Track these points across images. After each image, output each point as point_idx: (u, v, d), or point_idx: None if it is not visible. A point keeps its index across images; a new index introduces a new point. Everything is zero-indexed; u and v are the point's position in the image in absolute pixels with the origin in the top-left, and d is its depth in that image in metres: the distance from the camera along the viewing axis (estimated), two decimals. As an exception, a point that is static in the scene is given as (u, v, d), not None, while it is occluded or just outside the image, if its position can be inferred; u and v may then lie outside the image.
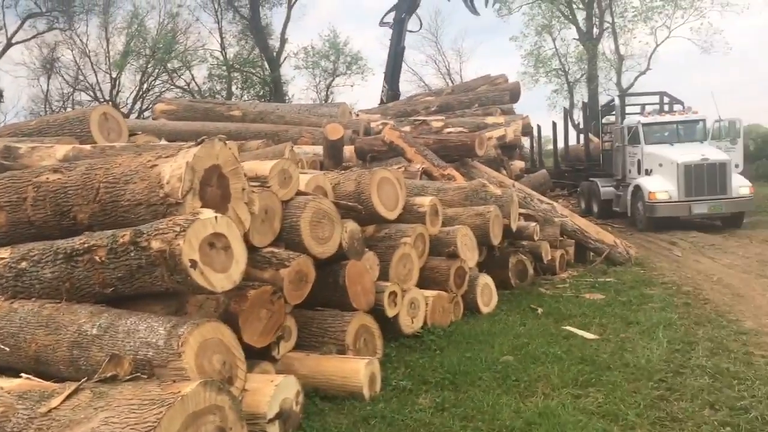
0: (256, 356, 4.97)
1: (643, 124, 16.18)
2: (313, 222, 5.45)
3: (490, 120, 13.71)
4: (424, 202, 7.73)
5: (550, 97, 39.32)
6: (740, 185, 14.81)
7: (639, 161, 16.19)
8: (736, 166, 16.21)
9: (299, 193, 5.62)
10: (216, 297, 4.63)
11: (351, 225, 6.08)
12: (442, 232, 7.92)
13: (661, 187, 14.93)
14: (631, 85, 32.80)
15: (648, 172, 15.81)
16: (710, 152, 14.98)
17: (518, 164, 13.84)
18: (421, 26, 23.16)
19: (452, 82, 38.95)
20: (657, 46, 32.95)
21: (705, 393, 4.74)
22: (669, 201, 14.79)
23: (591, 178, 18.78)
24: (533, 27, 37.35)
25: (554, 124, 22.48)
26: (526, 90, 39.85)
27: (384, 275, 6.71)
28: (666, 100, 18.29)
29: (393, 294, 6.42)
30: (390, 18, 23.18)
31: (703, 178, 14.65)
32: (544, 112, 62.28)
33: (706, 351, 5.76)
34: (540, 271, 9.98)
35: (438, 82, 39.97)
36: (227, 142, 5.13)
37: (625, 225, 16.46)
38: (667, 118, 16.39)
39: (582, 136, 21.32)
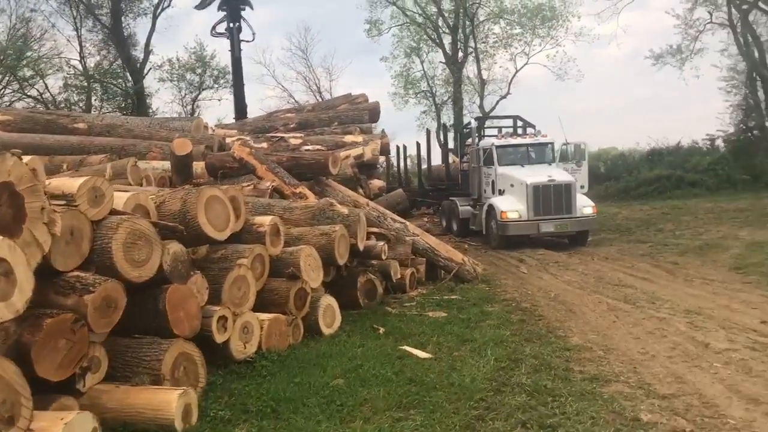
0: (60, 390, 4.58)
1: (497, 146, 16.84)
2: (127, 243, 5.09)
3: (348, 138, 13.74)
4: (264, 221, 7.52)
5: (419, 118, 40.35)
6: (584, 205, 15.71)
7: (493, 182, 16.81)
8: (582, 186, 17.23)
9: (114, 212, 5.25)
10: (5, 327, 4.19)
11: (174, 246, 5.76)
12: (285, 253, 7.74)
13: (512, 206, 15.56)
14: (493, 108, 34.36)
15: (501, 192, 16.45)
16: (557, 174, 15.80)
17: (377, 183, 13.95)
18: (254, 37, 22.90)
19: (321, 99, 39.05)
20: (516, 71, 34.76)
21: (520, 411, 4.84)
22: (519, 220, 15.43)
23: (451, 198, 19.29)
24: (402, 49, 38.28)
25: (418, 145, 23.04)
26: (397, 110, 40.77)
27: (218, 299, 6.43)
28: (519, 123, 19.16)
29: (223, 318, 6.15)
30: (222, 28, 22.97)
31: (550, 199, 15.40)
32: (413, 132, 63.87)
33: (529, 368, 5.92)
34: (391, 290, 10.01)
35: (309, 99, 39.99)
36: (25, 156, 4.74)
37: (480, 243, 17.02)
38: (519, 140, 17.19)
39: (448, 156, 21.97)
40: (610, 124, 72.90)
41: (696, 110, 57.09)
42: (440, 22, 35.52)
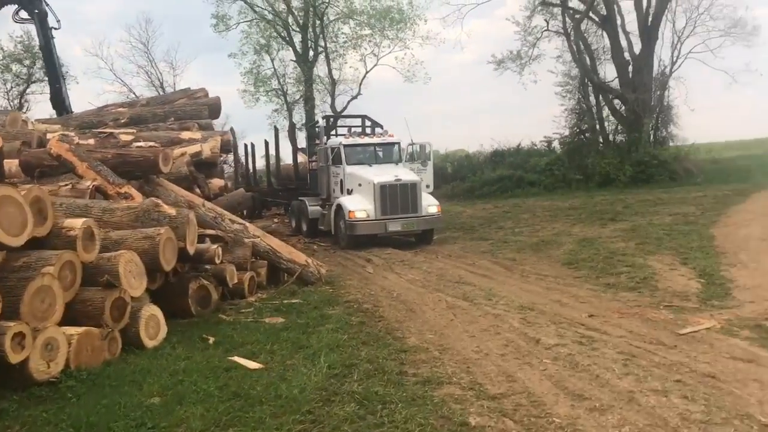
0: None
1: (345, 146, 16.67)
2: None
3: (186, 135, 12.94)
4: (76, 224, 6.76)
5: (270, 116, 39.52)
6: (429, 204, 15.91)
7: (341, 181, 16.62)
8: (427, 186, 17.45)
9: None
10: None
11: (-49, 255, 4.94)
12: (102, 259, 7.01)
13: (360, 206, 15.44)
14: (345, 108, 34.31)
15: (349, 192, 16.29)
16: (403, 173, 15.88)
17: (217, 182, 13.27)
18: (59, 25, 20.87)
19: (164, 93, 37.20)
20: (367, 72, 34.97)
21: (347, 423, 4.58)
22: (367, 219, 15.34)
23: (301, 198, 18.88)
24: (251, 45, 37.30)
25: (266, 143, 22.42)
26: (248, 108, 39.64)
27: (16, 312, 5.64)
28: (368, 123, 19.11)
29: (20, 335, 5.39)
30: (24, 14, 20.87)
31: (396, 198, 15.44)
32: (265, 131, 62.62)
33: (362, 374, 5.69)
34: (228, 296, 9.47)
35: (151, 94, 37.80)
36: None
37: (330, 243, 16.77)
38: (366, 140, 17.13)
39: (300, 155, 21.53)
40: (462, 127, 75.82)
41: (538, 114, 60.56)
42: (290, 20, 34.98)
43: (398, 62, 34.55)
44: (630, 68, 31.07)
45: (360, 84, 34.79)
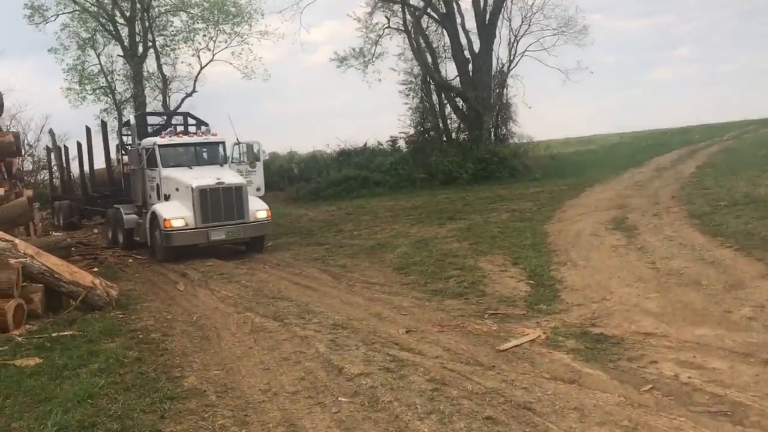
0: None
1: (160, 146, 14.97)
2: None
3: (-48, 136, 10.81)
4: None
5: (99, 117, 36.24)
6: (258, 209, 14.58)
7: (158, 186, 14.93)
8: (258, 189, 16.16)
9: None
10: None
11: None
12: None
13: (176, 213, 13.85)
14: (178, 106, 32.04)
15: (167, 198, 14.64)
16: (227, 176, 14.45)
17: (-6, 191, 11.21)
18: None
19: None
20: (201, 68, 32.89)
21: None
22: (185, 228, 13.76)
23: (117, 205, 16.88)
24: (73, 39, 33.98)
25: (79, 145, 19.99)
26: (74, 108, 36.11)
27: None
28: (191, 121, 17.46)
29: None
30: None
31: (219, 203, 13.99)
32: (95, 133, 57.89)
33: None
34: (-15, 330, 7.69)
35: None
36: None
37: (147, 256, 15.02)
38: (185, 139, 15.44)
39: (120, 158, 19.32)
40: (319, 128, 74.74)
41: (389, 114, 60.55)
42: (117, 12, 32.16)
43: (235, 58, 32.79)
44: (470, 66, 31.37)
45: (195, 81, 32.66)
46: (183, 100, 32.29)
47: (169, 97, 33.89)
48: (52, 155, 25.81)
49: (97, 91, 35.51)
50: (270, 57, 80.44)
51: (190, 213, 13.81)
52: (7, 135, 12.14)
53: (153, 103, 32.65)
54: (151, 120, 17.60)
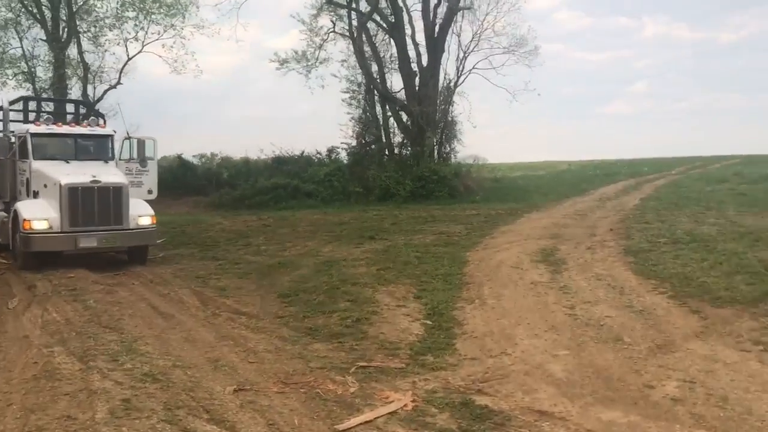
0: None
1: (32, 134, 12.91)
2: None
3: None
4: None
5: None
6: (140, 215, 12.61)
7: (28, 180, 12.87)
8: (149, 192, 14.25)
9: None
10: None
11: None
12: None
13: (39, 213, 11.81)
14: (100, 98, 29.67)
15: (35, 195, 12.60)
16: (106, 174, 12.46)
17: None
18: None
19: None
20: (129, 59, 30.56)
21: None
22: (49, 232, 11.73)
23: (-11, 201, 14.69)
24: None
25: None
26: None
27: None
28: (83, 110, 15.46)
29: None
30: None
31: (93, 205, 12.00)
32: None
33: None
34: None
35: None
36: None
37: (11, 260, 12.92)
38: (65, 129, 13.38)
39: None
40: (265, 133, 72.48)
41: (335, 122, 58.76)
42: (41, -8, 29.70)
43: (166, 51, 30.55)
44: (417, 80, 29.96)
45: (120, 72, 30.29)
46: (105, 92, 29.90)
47: (95, 87, 31.48)
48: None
49: (18, 76, 32.85)
50: (234, 61, 77.91)
51: (56, 214, 11.80)
52: None
53: (74, 93, 30.22)
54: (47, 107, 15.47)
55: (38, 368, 5.80)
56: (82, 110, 15.36)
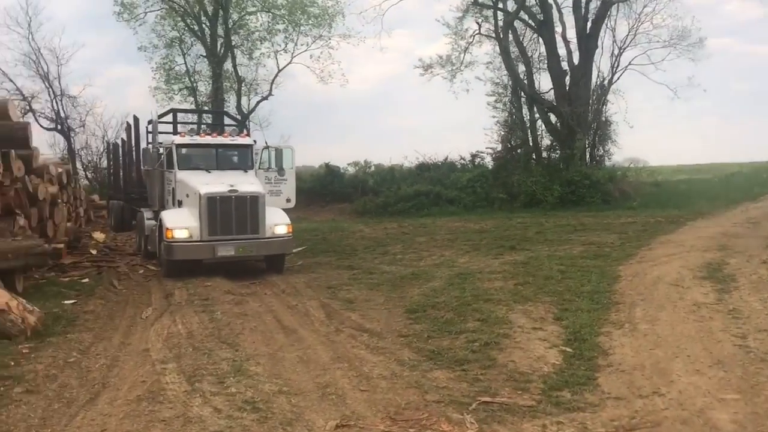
0: None
1: (177, 145, 13.34)
2: None
3: None
4: None
5: (184, 117, 35.79)
6: (276, 223, 12.60)
7: (173, 189, 13.31)
8: (288, 200, 14.29)
9: None
10: None
11: None
12: None
13: (181, 223, 12.12)
14: (252, 110, 30.94)
15: (179, 204, 12.99)
16: (243, 183, 12.57)
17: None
18: None
19: (50, 87, 33.05)
20: (279, 71, 31.61)
21: None
22: (189, 240, 11.99)
23: (143, 209, 15.44)
24: (163, 38, 33.66)
25: (122, 142, 18.81)
26: (161, 108, 35.88)
27: None
28: (228, 121, 15.86)
29: None
30: None
31: (230, 214, 12.14)
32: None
33: None
34: None
35: (33, 86, 33.07)
36: None
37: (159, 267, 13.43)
38: (207, 140, 13.71)
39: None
40: (416, 141, 72.80)
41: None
42: (201, 11, 31.48)
43: (313, 61, 31.28)
44: (567, 79, 28.42)
45: (271, 83, 31.39)
46: (258, 103, 31.17)
47: (249, 99, 32.93)
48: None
49: (183, 91, 35.09)
50: (386, 70, 78.99)
51: (196, 223, 12.04)
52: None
53: (230, 105, 31.72)
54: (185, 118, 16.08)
55: (145, 388, 5.61)
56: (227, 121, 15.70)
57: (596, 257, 13.21)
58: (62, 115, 33.18)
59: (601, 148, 29.24)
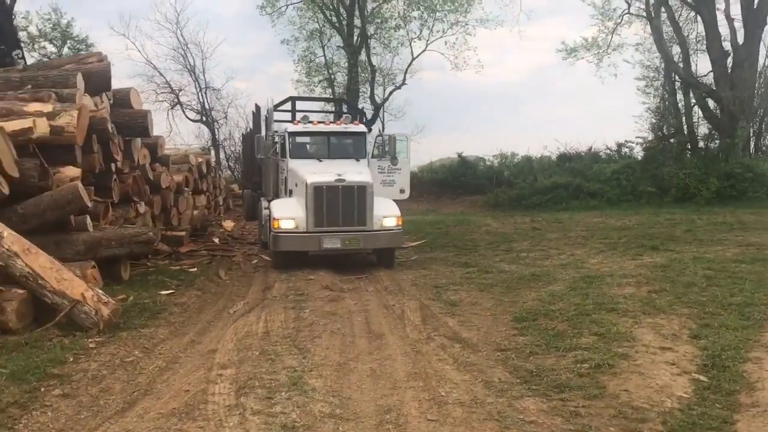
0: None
1: (290, 133, 12.94)
2: None
3: (33, 107, 9.70)
4: None
5: (323, 108, 36.12)
6: (384, 215, 11.84)
7: (286, 179, 12.96)
8: (401, 191, 13.49)
9: None
10: None
11: None
12: None
13: (288, 213, 11.68)
14: (385, 99, 30.43)
15: (290, 194, 12.61)
16: (352, 172, 11.92)
17: (70, 171, 9.89)
18: None
19: (196, 80, 34.48)
20: (414, 58, 30.88)
21: None
22: (295, 231, 11.54)
23: (262, 198, 15.30)
24: (304, 31, 34.10)
25: (248, 132, 18.88)
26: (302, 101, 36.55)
27: None
28: (345, 109, 15.30)
29: None
30: None
31: (337, 204, 11.55)
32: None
33: None
34: None
35: (181, 79, 34.67)
36: None
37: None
38: (320, 128, 13.20)
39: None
40: (566, 131, 69.52)
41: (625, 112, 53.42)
42: (339, 2, 31.47)
43: (448, 48, 30.15)
44: (729, 60, 25.37)
45: (405, 72, 30.73)
46: (391, 92, 30.65)
47: (384, 89, 32.54)
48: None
49: (324, 82, 35.42)
50: (531, 60, 75.90)
51: (302, 213, 11.56)
52: (98, 108, 10.87)
53: (365, 96, 31.50)
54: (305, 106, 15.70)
55: (185, 399, 5.00)
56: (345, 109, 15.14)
57: (753, 261, 11.26)
58: (206, 107, 34.58)
59: (767, 136, 25.85)
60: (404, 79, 30.74)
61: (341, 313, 8.33)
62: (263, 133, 13.88)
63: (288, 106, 14.99)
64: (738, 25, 25.33)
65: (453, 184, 28.29)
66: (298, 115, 14.36)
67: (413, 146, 30.40)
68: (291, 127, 13.11)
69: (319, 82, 35.24)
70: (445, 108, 59.59)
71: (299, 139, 13.09)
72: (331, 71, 34.35)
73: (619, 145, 27.44)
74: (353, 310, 8.57)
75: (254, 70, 61.06)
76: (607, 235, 15.80)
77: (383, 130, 31.92)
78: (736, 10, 25.44)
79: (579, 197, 24.12)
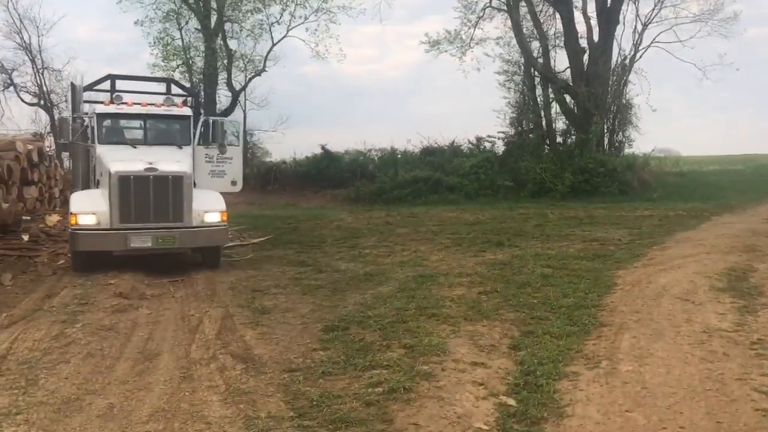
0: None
1: (99, 114, 11.30)
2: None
3: None
4: None
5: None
6: (206, 210, 10.47)
7: (94, 167, 11.31)
8: (234, 183, 12.19)
9: None
10: None
11: None
12: None
13: (88, 206, 10.09)
14: (244, 87, 28.86)
15: (98, 184, 10.99)
16: (168, 161, 10.48)
17: None
18: None
19: (31, 57, 31.03)
20: (273, 44, 29.46)
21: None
22: (97, 228, 9.96)
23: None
24: (160, 12, 31.58)
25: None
26: (159, 85, 33.94)
27: None
28: (176, 90, 13.73)
29: None
30: None
31: (148, 197, 10.07)
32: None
33: None
34: None
35: (15, 58, 31.15)
36: None
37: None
38: (135, 109, 11.58)
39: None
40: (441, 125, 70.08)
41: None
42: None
43: (310, 35, 29.02)
44: (585, 57, 25.87)
45: (265, 58, 29.24)
46: (250, 79, 29.06)
47: (246, 75, 30.83)
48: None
49: (181, 67, 33.09)
50: (413, 57, 76.12)
51: (106, 208, 10.00)
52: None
53: (222, 82, 29.72)
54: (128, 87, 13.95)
55: None
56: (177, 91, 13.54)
57: (594, 258, 10.96)
58: (45, 89, 31.36)
59: (620, 133, 26.67)
60: (264, 66, 29.26)
61: (121, 327, 6.99)
62: (69, 114, 12.10)
63: (106, 85, 13.20)
64: (594, 22, 25.90)
65: (316, 177, 27.20)
66: (116, 97, 12.63)
67: (276, 137, 29.06)
68: (100, 108, 11.45)
69: (177, 66, 32.88)
70: (324, 102, 58.42)
71: (111, 122, 11.46)
72: (189, 55, 32.15)
73: (479, 139, 27.35)
74: (140, 322, 7.25)
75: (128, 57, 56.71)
76: (457, 231, 15.25)
77: (246, 120, 30.42)
78: (592, 8, 25.99)
79: (438, 191, 23.70)
